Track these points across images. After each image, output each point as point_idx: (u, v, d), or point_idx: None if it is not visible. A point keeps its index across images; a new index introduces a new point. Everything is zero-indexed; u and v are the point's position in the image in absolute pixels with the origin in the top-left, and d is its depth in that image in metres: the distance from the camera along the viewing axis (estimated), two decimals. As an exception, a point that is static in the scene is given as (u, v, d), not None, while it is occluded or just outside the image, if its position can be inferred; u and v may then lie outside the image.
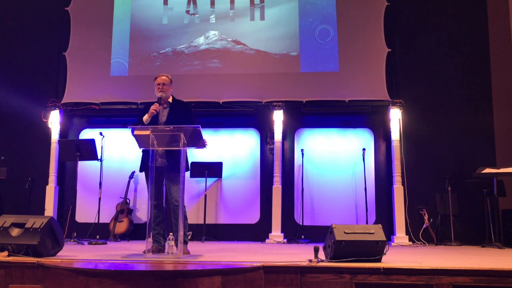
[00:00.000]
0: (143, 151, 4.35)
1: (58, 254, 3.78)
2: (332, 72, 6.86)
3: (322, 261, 3.28)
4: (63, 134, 7.03)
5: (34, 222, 3.64)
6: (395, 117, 6.57)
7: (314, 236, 6.32)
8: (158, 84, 4.35)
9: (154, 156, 4.12)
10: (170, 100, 4.43)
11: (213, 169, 6.66)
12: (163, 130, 3.90)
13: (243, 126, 6.98)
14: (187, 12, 7.22)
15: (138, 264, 3.33)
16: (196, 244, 5.82)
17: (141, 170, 4.45)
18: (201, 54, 7.10)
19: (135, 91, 7.04)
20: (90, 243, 5.54)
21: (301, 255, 3.88)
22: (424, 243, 6.18)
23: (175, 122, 4.16)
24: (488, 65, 6.77)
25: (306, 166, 6.71)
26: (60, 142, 6.52)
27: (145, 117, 4.25)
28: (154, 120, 4.28)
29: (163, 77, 4.39)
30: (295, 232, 6.43)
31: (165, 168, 4.25)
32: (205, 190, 6.62)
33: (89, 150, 5.98)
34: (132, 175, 6.76)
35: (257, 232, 6.53)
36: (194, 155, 6.74)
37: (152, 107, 4.23)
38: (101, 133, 6.54)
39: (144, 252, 3.91)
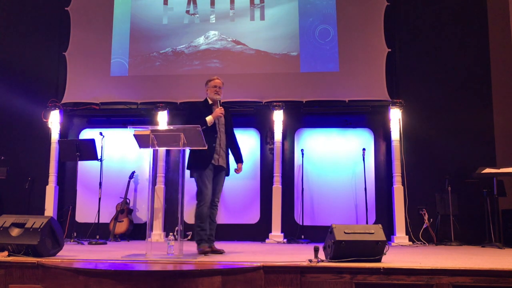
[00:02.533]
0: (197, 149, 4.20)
1: (58, 254, 3.78)
2: (332, 72, 6.86)
3: (322, 261, 3.28)
4: (63, 134, 7.03)
5: (34, 222, 3.65)
6: (395, 117, 6.57)
7: (314, 236, 6.32)
8: (215, 87, 4.42)
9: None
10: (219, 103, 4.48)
11: (213, 169, 6.65)
12: (163, 131, 3.91)
13: (243, 126, 6.97)
14: (187, 12, 7.22)
15: (138, 264, 3.33)
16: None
17: (197, 168, 4.30)
18: (201, 54, 7.10)
19: (135, 91, 7.04)
20: (90, 243, 5.54)
21: (301, 255, 3.88)
22: (424, 243, 6.18)
23: (228, 124, 4.44)
24: (488, 65, 6.77)
25: (306, 166, 6.71)
26: (60, 142, 6.52)
27: (210, 119, 4.27)
28: (213, 124, 4.35)
29: (219, 81, 4.47)
30: (295, 232, 6.42)
31: (223, 169, 4.38)
32: (205, 190, 6.61)
33: (89, 150, 5.98)
34: (132, 175, 6.76)
35: (257, 232, 6.53)
36: (194, 155, 6.74)
37: (219, 112, 4.29)
38: (101, 133, 6.54)
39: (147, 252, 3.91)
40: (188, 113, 4.53)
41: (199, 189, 4.28)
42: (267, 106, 6.80)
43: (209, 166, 4.26)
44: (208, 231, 4.32)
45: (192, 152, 4.36)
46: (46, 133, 6.93)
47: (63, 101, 7.07)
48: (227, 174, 4.49)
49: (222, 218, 6.79)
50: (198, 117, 4.30)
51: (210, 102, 4.47)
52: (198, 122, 4.19)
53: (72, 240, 5.65)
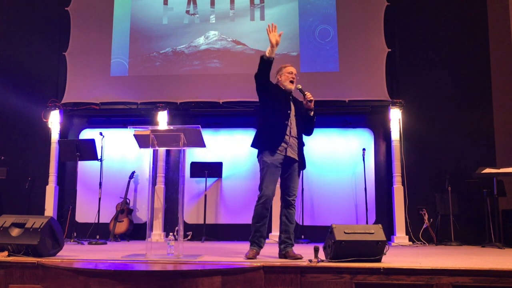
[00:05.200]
0: (272, 131, 3.87)
1: (58, 254, 3.78)
2: (332, 72, 6.86)
3: (322, 261, 3.29)
4: (63, 134, 7.03)
5: (34, 222, 3.64)
6: (395, 117, 6.57)
7: (314, 236, 6.32)
8: (290, 73, 4.03)
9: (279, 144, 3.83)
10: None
11: (213, 169, 6.66)
12: (163, 131, 3.91)
13: (243, 126, 6.97)
14: (187, 12, 7.22)
15: (138, 264, 3.33)
16: (196, 244, 5.82)
17: (264, 149, 3.92)
18: (201, 54, 7.10)
19: (135, 91, 7.04)
20: (90, 243, 5.54)
21: (301, 255, 3.87)
22: (424, 243, 6.18)
23: (300, 114, 4.01)
24: (488, 65, 6.77)
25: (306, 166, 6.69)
26: (60, 142, 6.52)
27: (311, 109, 3.93)
28: (286, 103, 3.96)
29: (294, 68, 4.09)
30: (295, 232, 6.38)
31: (292, 162, 3.90)
32: (205, 190, 6.62)
33: (89, 150, 5.98)
34: (132, 175, 6.76)
35: (257, 232, 6.51)
36: (194, 155, 6.74)
37: (311, 96, 3.92)
38: (101, 133, 6.54)
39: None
40: (274, 91, 4.01)
41: None
42: (267, 106, 6.79)
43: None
44: (261, 233, 3.99)
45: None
46: (46, 133, 6.93)
47: (63, 101, 7.07)
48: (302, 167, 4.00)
49: (222, 218, 6.80)
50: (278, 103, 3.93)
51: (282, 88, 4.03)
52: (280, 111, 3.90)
53: (72, 240, 5.65)
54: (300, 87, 4.03)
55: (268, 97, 3.98)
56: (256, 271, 3.13)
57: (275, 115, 3.92)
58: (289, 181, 3.94)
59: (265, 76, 3.89)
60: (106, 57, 7.16)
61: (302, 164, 4.00)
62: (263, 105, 4.03)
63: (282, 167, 3.91)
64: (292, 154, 3.90)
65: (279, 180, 3.96)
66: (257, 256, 3.85)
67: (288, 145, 3.88)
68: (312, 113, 4.03)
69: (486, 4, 6.92)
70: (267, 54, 3.81)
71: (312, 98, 3.94)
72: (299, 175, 4.04)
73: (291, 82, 4.03)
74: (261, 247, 3.97)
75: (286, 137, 3.88)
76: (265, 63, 3.83)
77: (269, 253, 4.23)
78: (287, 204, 3.99)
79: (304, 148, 6.89)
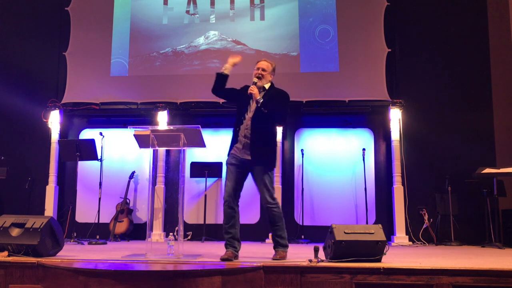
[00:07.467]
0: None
1: (58, 254, 3.78)
2: (332, 72, 6.85)
3: (322, 261, 3.29)
4: (63, 134, 7.03)
5: (34, 222, 3.65)
6: (395, 117, 6.57)
7: (314, 236, 6.32)
8: (257, 69, 4.04)
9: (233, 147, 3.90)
10: (266, 86, 4.02)
11: (213, 169, 6.66)
12: (163, 131, 3.91)
13: (243, 126, 6.97)
14: (187, 12, 7.22)
15: (138, 264, 3.33)
16: (196, 244, 5.82)
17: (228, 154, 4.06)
18: (201, 54, 7.10)
19: (135, 91, 7.04)
20: (90, 243, 5.54)
21: (301, 255, 3.88)
22: (424, 243, 6.18)
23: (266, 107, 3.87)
24: (488, 65, 6.77)
25: (306, 166, 6.70)
26: (60, 142, 6.52)
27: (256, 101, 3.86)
28: (246, 103, 3.95)
29: (261, 62, 4.09)
30: (295, 232, 6.42)
31: (248, 162, 3.86)
32: (205, 190, 6.62)
33: (89, 150, 5.99)
34: (132, 175, 6.76)
35: (257, 232, 6.51)
36: (194, 155, 6.74)
37: (250, 90, 3.90)
38: (101, 133, 6.54)
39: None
40: (239, 97, 4.13)
41: None
42: (267, 106, 6.78)
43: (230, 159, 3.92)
44: (231, 234, 4.05)
45: (272, 145, 3.96)
46: (46, 133, 6.92)
47: (63, 101, 7.06)
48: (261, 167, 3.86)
49: (222, 218, 6.78)
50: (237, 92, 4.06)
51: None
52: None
53: (72, 240, 5.65)
54: (254, 81, 3.98)
55: (235, 105, 4.13)
56: (256, 271, 3.13)
57: (235, 121, 4.01)
58: (257, 186, 3.96)
59: (217, 89, 4.04)
60: (106, 57, 7.16)
61: (261, 163, 3.85)
62: None
63: (243, 170, 3.93)
64: (246, 155, 3.86)
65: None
66: (256, 257, 3.84)
67: (242, 146, 3.87)
68: (259, 104, 3.88)
69: (486, 4, 6.92)
70: (220, 69, 4.03)
71: (250, 92, 3.89)
72: (265, 177, 3.88)
73: (258, 77, 3.99)
74: (236, 248, 3.92)
75: (240, 138, 3.88)
76: (217, 76, 4.05)
77: (270, 253, 4.23)
78: (266, 209, 3.99)
79: (304, 147, 6.91)
